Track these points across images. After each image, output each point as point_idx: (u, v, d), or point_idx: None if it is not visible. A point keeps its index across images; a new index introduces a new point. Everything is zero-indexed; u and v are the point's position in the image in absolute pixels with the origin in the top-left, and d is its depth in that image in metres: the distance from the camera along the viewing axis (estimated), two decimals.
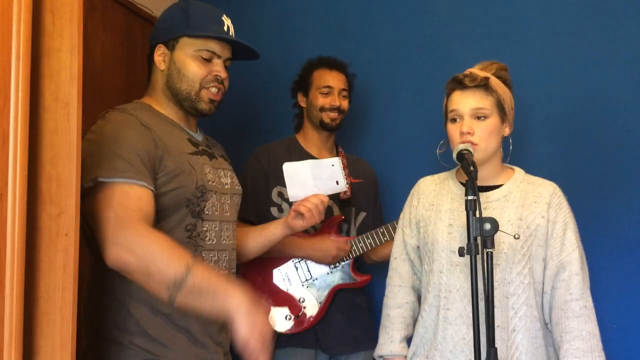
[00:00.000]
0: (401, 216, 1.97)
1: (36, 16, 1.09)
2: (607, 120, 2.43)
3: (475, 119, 1.72)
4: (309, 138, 2.41)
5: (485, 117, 1.72)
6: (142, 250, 1.39)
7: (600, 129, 2.43)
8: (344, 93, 2.39)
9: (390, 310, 1.90)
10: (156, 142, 1.54)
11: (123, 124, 1.54)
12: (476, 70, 1.76)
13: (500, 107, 1.74)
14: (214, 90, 1.68)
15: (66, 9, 1.12)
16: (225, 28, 1.69)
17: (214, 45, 1.66)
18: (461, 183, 1.83)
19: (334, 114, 2.34)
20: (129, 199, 1.44)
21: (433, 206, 1.86)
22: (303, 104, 2.43)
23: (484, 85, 1.73)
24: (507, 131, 1.79)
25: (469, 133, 1.71)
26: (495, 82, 1.75)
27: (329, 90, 2.35)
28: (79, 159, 1.13)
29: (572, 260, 1.71)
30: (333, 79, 2.37)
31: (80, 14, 1.13)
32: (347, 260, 2.31)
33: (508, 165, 1.87)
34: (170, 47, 1.67)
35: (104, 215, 1.43)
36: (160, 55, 1.68)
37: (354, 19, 2.81)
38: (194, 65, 1.65)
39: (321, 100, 2.35)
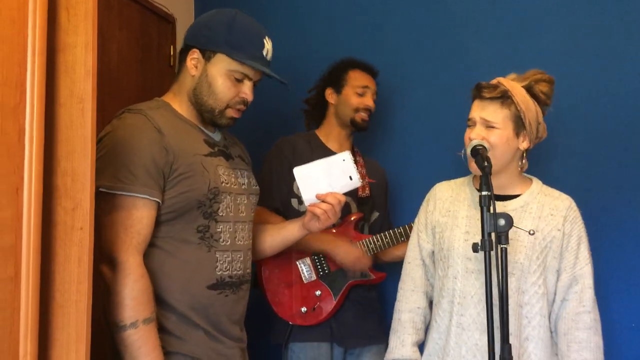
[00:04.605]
0: (416, 220, 1.98)
1: (51, 13, 1.11)
2: (627, 117, 2.39)
3: (485, 127, 1.75)
4: (332, 134, 2.43)
5: (495, 128, 1.74)
6: (118, 280, 1.46)
7: (619, 125, 2.40)
8: (375, 97, 2.44)
9: (401, 315, 1.89)
10: (167, 148, 1.55)
11: (135, 130, 1.55)
12: (503, 80, 1.77)
13: (517, 120, 1.74)
14: (237, 108, 1.70)
15: (81, 5, 1.14)
16: (265, 51, 1.69)
17: (248, 70, 1.67)
18: (478, 190, 1.81)
19: (365, 115, 2.39)
20: (131, 220, 1.49)
21: (450, 212, 1.86)
22: (332, 101, 2.43)
23: (501, 98, 1.74)
24: (523, 145, 1.78)
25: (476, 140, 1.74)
26: (519, 95, 1.74)
27: (365, 91, 2.39)
28: (94, 154, 1.14)
29: (584, 274, 1.75)
30: (370, 81, 2.42)
31: (95, 10, 1.15)
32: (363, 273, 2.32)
33: (526, 175, 1.88)
34: (207, 57, 1.67)
35: (105, 231, 1.49)
36: (193, 60, 1.68)
37: (369, 18, 2.80)
38: (225, 85, 1.66)
39: (356, 100, 2.38)
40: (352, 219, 2.33)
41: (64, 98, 1.13)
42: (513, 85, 1.75)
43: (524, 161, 1.83)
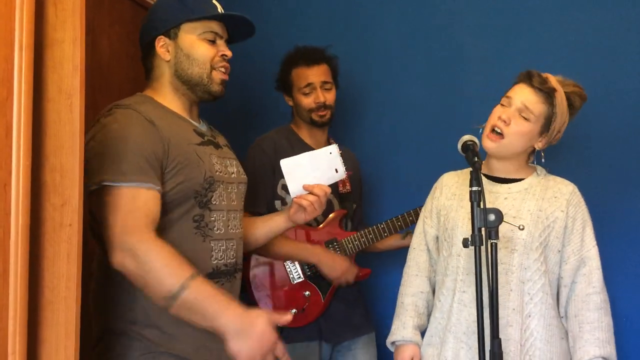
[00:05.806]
0: (423, 208, 2.03)
1: (39, 8, 1.10)
2: (627, 117, 2.40)
3: (519, 114, 1.77)
4: (304, 130, 2.39)
5: (527, 119, 1.77)
6: (143, 258, 1.42)
7: (619, 125, 2.41)
8: (327, 86, 2.31)
9: (404, 298, 1.93)
10: (162, 138, 1.55)
11: (129, 123, 1.54)
12: (552, 78, 1.80)
13: (547, 121, 1.78)
14: (222, 70, 1.71)
15: (68, 1, 1.13)
16: (219, 9, 1.70)
17: (215, 26, 1.68)
18: (484, 175, 1.86)
19: (322, 112, 2.30)
20: (136, 203, 1.47)
21: (455, 195, 1.91)
22: (291, 104, 2.39)
23: (546, 93, 1.77)
24: (539, 145, 1.83)
25: (504, 122, 1.77)
26: (560, 99, 1.78)
27: (310, 89, 2.29)
28: (82, 150, 1.14)
29: (592, 256, 1.79)
30: (312, 75, 2.30)
31: (83, 5, 1.14)
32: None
33: (531, 164, 1.93)
34: (172, 35, 1.67)
35: (111, 220, 1.46)
36: (162, 47, 1.67)
37: (359, 9, 2.78)
38: (203, 47, 1.67)
39: (305, 101, 2.30)
40: (336, 216, 2.32)
41: (52, 94, 1.13)
42: (560, 88, 1.79)
43: (532, 157, 1.90)
